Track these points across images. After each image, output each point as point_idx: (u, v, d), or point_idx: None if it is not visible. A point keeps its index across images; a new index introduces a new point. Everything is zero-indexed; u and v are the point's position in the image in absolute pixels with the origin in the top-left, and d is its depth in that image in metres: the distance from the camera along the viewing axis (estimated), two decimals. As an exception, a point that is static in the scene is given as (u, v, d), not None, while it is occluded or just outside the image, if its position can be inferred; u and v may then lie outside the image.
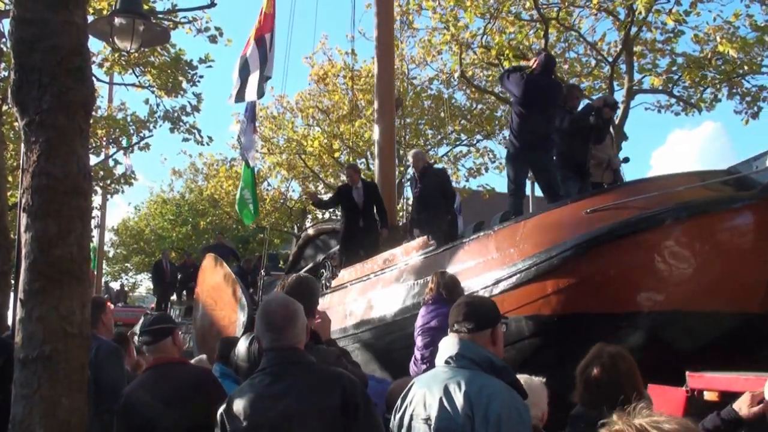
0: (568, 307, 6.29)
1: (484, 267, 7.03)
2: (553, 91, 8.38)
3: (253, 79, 11.38)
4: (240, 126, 13.48)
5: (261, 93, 11.87)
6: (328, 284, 10.44)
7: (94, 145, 15.53)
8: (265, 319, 3.19)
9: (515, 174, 8.45)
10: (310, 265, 12.47)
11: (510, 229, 7.09)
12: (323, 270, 11.15)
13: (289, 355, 3.07)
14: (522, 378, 3.36)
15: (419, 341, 6.09)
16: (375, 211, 10.80)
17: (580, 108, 8.82)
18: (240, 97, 11.72)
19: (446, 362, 3.12)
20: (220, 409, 3.05)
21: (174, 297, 22.73)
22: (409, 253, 8.46)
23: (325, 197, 15.06)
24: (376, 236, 10.59)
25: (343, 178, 25.66)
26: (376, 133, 11.94)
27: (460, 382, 2.97)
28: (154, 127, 15.49)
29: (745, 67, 14.19)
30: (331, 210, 30.65)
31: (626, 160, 9.39)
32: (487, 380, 2.98)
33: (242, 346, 4.06)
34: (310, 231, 13.51)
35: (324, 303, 8.94)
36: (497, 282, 6.72)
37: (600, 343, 3.54)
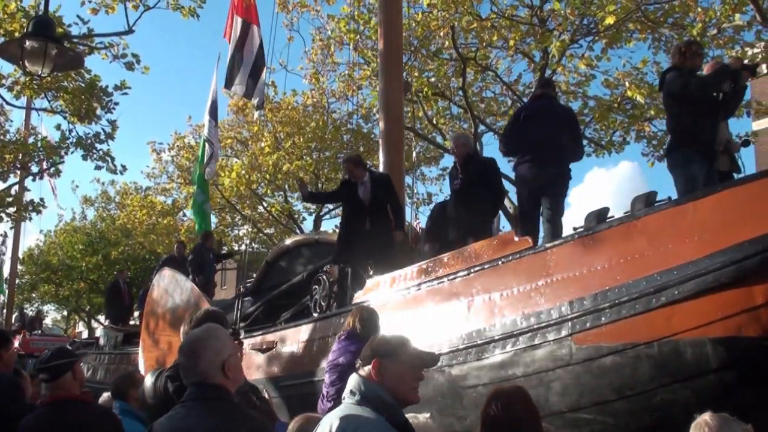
0: None
1: (628, 269, 4.99)
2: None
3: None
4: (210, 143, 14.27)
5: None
6: (324, 303, 8.57)
7: (1, 170, 15.00)
8: (179, 353, 3.17)
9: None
10: (294, 280, 10.28)
11: (668, 214, 4.98)
12: (316, 286, 8.91)
13: (207, 391, 3.01)
14: (408, 416, 3.34)
15: (326, 377, 5.86)
16: (388, 208, 8.62)
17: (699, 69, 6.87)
18: (248, 93, 12.65)
19: (344, 399, 3.09)
20: None
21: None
22: (488, 254, 6.13)
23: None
24: (387, 241, 8.44)
25: (261, 209, 25.47)
26: (381, 125, 10.47)
27: (340, 419, 2.92)
28: (66, 153, 15.05)
29: (652, 112, 14.78)
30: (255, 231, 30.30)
31: (746, 143, 7.71)
32: (367, 419, 2.92)
33: (149, 382, 3.94)
34: (287, 242, 11.49)
35: (339, 326, 7.17)
36: (659, 290, 4.74)
37: (498, 384, 3.52)
